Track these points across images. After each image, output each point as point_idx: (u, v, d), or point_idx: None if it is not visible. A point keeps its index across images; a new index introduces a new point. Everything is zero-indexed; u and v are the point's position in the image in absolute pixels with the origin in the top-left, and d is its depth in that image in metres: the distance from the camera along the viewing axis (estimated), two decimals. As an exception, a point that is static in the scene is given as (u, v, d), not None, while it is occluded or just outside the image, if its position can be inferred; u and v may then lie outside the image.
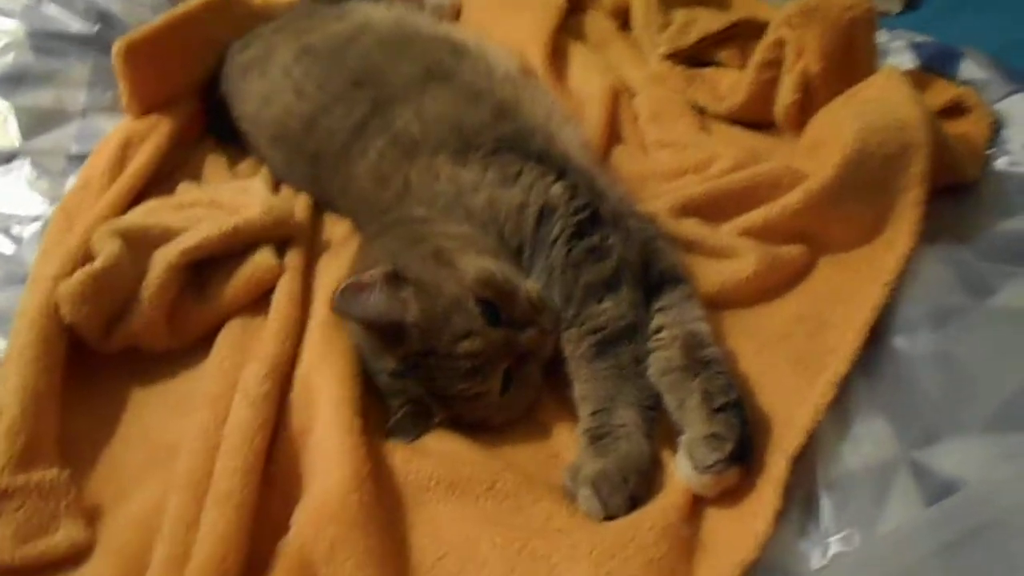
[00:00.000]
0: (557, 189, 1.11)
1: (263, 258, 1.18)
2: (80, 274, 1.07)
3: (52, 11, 1.75)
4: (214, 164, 1.50)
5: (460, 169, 1.16)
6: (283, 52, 1.46)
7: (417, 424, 1.02)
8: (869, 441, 0.91)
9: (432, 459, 0.97)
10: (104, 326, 1.10)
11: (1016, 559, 0.73)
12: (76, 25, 1.74)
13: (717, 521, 0.90)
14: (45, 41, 1.70)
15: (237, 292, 1.16)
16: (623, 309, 1.04)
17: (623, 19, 1.77)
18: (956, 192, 1.22)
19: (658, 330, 1.03)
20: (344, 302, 0.99)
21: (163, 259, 1.12)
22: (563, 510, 0.93)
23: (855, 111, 1.19)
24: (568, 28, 1.72)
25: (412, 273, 1.03)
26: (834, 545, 0.85)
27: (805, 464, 0.91)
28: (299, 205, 1.35)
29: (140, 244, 1.14)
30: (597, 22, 1.76)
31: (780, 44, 1.40)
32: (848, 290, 1.09)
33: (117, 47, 1.46)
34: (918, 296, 1.04)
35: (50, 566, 0.90)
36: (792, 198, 1.15)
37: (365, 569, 0.84)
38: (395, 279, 1.02)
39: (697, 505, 0.92)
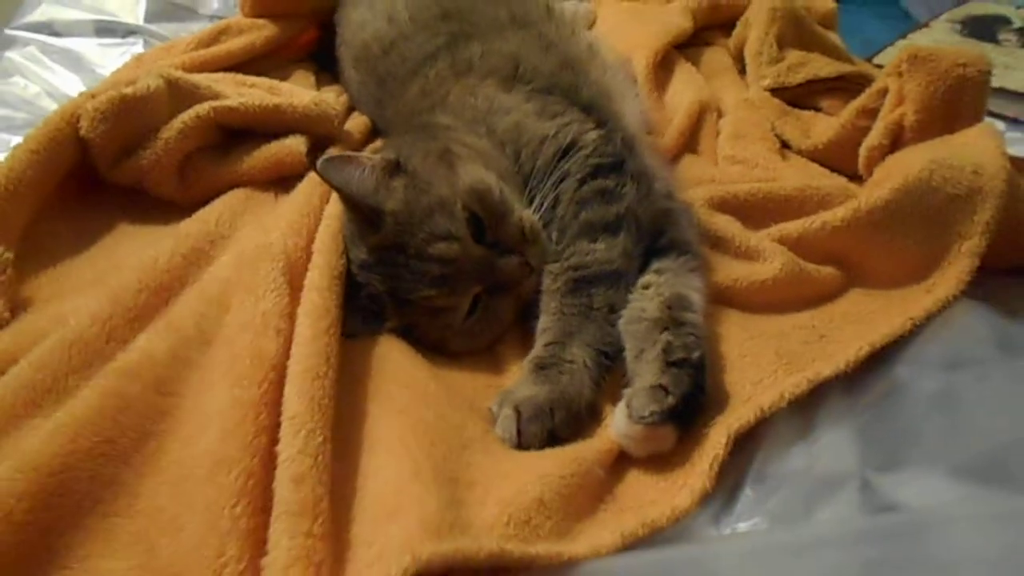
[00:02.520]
0: (591, 135, 1.04)
1: (293, 142, 1.13)
2: (107, 94, 1.05)
3: (216, -75, 1.82)
4: (300, 79, 1.49)
5: (501, 93, 1.11)
6: (394, -10, 1.45)
7: (366, 322, 0.95)
8: (827, 450, 0.79)
9: (364, 351, 0.89)
10: (117, 153, 1.07)
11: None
12: (237, -58, 1.80)
13: (638, 481, 0.79)
14: (201, -53, 1.77)
15: (255, 164, 1.12)
16: (613, 254, 0.94)
17: (742, 61, 1.68)
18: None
19: (645, 287, 0.94)
20: (328, 167, 0.94)
21: (194, 110, 1.09)
22: (482, 433, 0.83)
23: (931, 146, 1.07)
24: (686, 55, 1.66)
25: (412, 165, 0.97)
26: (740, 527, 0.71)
27: (745, 453, 0.78)
28: (357, 121, 1.32)
29: (185, 95, 1.13)
30: (715, 56, 1.68)
31: (883, 94, 1.29)
32: (869, 317, 0.96)
33: (254, -54, 1.49)
34: (940, 337, 0.90)
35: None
36: (835, 214, 1.03)
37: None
38: (394, 168, 0.97)
39: (622, 463, 0.80)
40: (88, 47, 1.59)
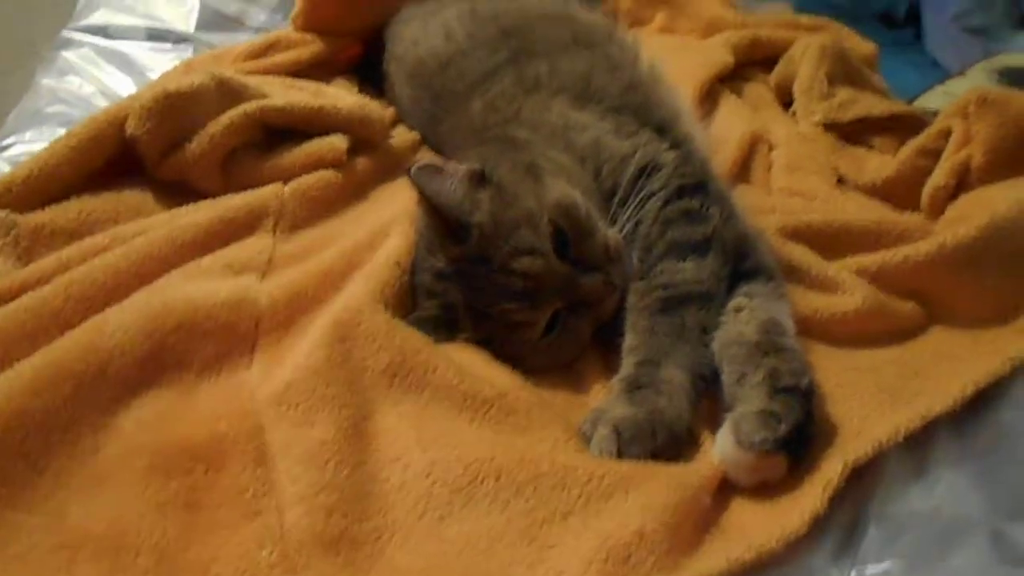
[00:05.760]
0: (669, 155, 0.99)
1: (336, 139, 1.10)
2: (154, 91, 1.02)
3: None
4: (342, 86, 1.44)
5: (574, 110, 1.06)
6: (450, 10, 1.42)
7: (438, 330, 0.88)
8: (947, 493, 0.72)
9: (439, 355, 0.83)
10: (163, 148, 1.03)
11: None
12: (287, -40, 1.77)
13: (743, 509, 0.72)
14: (252, -38, 1.73)
15: (296, 161, 1.08)
16: (703, 275, 0.89)
17: (784, 97, 1.64)
18: None
19: (738, 309, 0.88)
20: (420, 174, 0.89)
21: (241, 108, 1.06)
22: (572, 444, 0.76)
23: (1013, 186, 1.02)
24: (728, 87, 1.62)
25: (497, 176, 0.91)
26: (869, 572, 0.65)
27: (861, 488, 0.72)
28: (405, 134, 1.28)
29: (233, 94, 1.09)
30: (757, 90, 1.64)
31: (946, 135, 1.25)
32: (961, 355, 0.90)
33: (312, -36, 1.46)
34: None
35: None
36: (920, 248, 0.97)
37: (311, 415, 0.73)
38: (479, 178, 0.92)
39: (726, 491, 0.74)
40: (140, 51, 1.56)
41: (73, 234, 0.94)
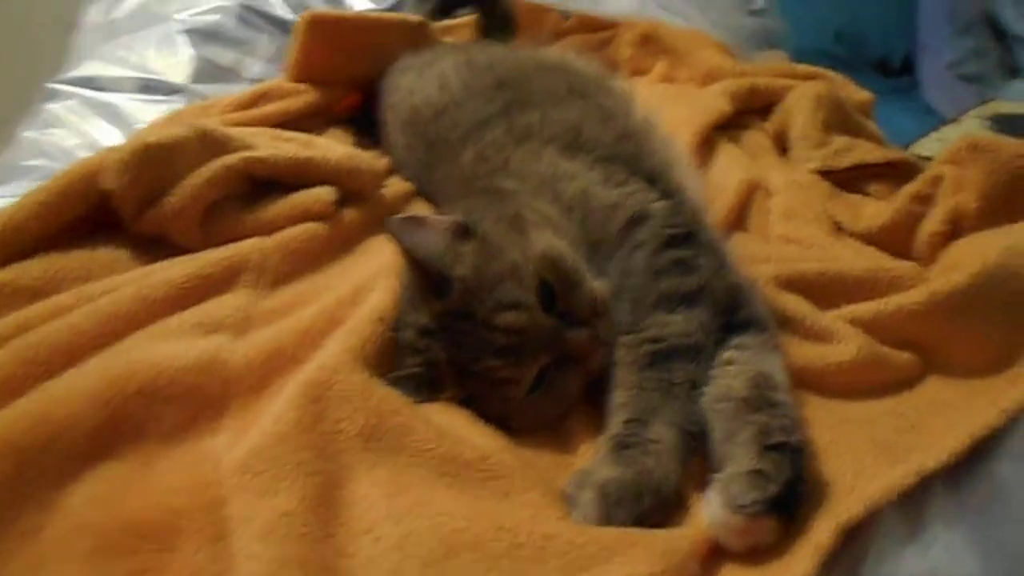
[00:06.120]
0: (658, 205, 0.98)
1: (322, 191, 1.06)
2: (132, 143, 0.98)
3: (268, -5, 1.79)
4: (336, 139, 1.43)
5: (564, 160, 1.04)
6: (446, 61, 1.42)
7: (420, 389, 0.85)
8: (943, 554, 0.69)
9: (418, 416, 0.80)
10: (141, 202, 0.98)
11: None
12: (282, 11, 1.78)
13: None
14: (250, 14, 1.78)
15: (280, 213, 1.04)
16: (691, 327, 0.86)
17: (782, 144, 1.64)
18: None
19: (728, 363, 0.85)
20: (398, 225, 0.87)
21: (223, 160, 1.02)
22: (554, 511, 0.73)
23: (1004, 233, 1.01)
24: (725, 135, 1.61)
25: (482, 229, 0.90)
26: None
27: (854, 549, 0.69)
28: (398, 184, 1.26)
29: (216, 146, 1.05)
30: (756, 138, 1.63)
31: (939, 181, 1.23)
32: (955, 406, 0.87)
33: (305, 15, 1.48)
34: (1037, 432, 0.81)
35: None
36: (912, 297, 0.95)
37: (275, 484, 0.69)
38: (463, 231, 0.90)
39: (717, 556, 0.71)
40: (130, 103, 1.55)
41: (37, 293, 0.88)
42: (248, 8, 1.75)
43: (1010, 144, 1.16)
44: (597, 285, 0.90)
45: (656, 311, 0.88)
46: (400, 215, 0.89)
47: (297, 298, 0.97)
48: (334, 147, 1.20)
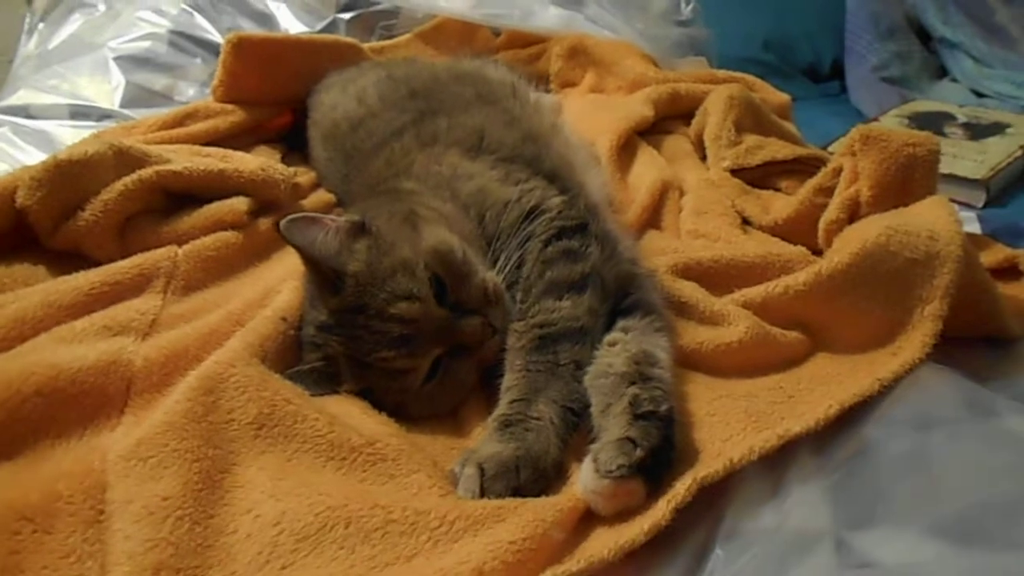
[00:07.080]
0: (555, 200, 1.02)
1: (235, 201, 1.11)
2: (45, 160, 1.02)
3: (200, 21, 1.83)
4: (263, 153, 1.47)
5: (465, 161, 1.09)
6: (369, 77, 1.47)
7: (319, 383, 0.90)
8: (798, 508, 0.73)
9: (311, 405, 0.83)
10: (56, 218, 1.02)
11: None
12: (214, 36, 1.82)
13: (600, 536, 0.72)
14: (182, 39, 1.80)
15: (195, 224, 1.08)
16: (579, 312, 0.90)
17: (702, 147, 1.69)
18: (994, 345, 1.04)
19: (612, 343, 0.89)
20: (290, 227, 0.91)
21: (137, 173, 1.06)
22: (437, 489, 0.77)
23: (888, 215, 1.05)
24: (648, 141, 1.66)
25: (376, 227, 0.94)
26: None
27: (715, 510, 0.73)
28: (320, 196, 1.30)
29: (133, 162, 1.10)
30: (676, 142, 1.68)
31: (838, 172, 1.29)
32: (838, 379, 0.91)
33: (230, 36, 1.51)
34: (909, 398, 0.86)
35: None
36: (798, 279, 1.00)
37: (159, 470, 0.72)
38: (358, 230, 0.94)
39: (587, 522, 0.74)
40: (61, 129, 1.58)
41: (-49, 307, 0.90)
42: (180, 34, 1.78)
43: (900, 134, 1.22)
44: (489, 276, 0.94)
45: (545, 298, 0.92)
46: (293, 215, 0.91)
47: (207, 303, 1.00)
48: (248, 159, 1.23)
